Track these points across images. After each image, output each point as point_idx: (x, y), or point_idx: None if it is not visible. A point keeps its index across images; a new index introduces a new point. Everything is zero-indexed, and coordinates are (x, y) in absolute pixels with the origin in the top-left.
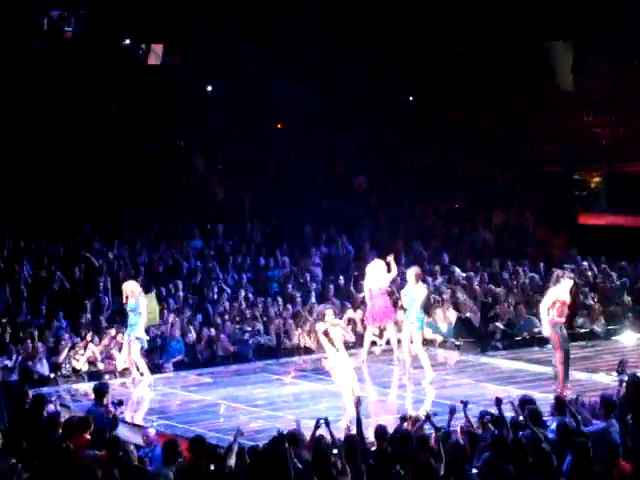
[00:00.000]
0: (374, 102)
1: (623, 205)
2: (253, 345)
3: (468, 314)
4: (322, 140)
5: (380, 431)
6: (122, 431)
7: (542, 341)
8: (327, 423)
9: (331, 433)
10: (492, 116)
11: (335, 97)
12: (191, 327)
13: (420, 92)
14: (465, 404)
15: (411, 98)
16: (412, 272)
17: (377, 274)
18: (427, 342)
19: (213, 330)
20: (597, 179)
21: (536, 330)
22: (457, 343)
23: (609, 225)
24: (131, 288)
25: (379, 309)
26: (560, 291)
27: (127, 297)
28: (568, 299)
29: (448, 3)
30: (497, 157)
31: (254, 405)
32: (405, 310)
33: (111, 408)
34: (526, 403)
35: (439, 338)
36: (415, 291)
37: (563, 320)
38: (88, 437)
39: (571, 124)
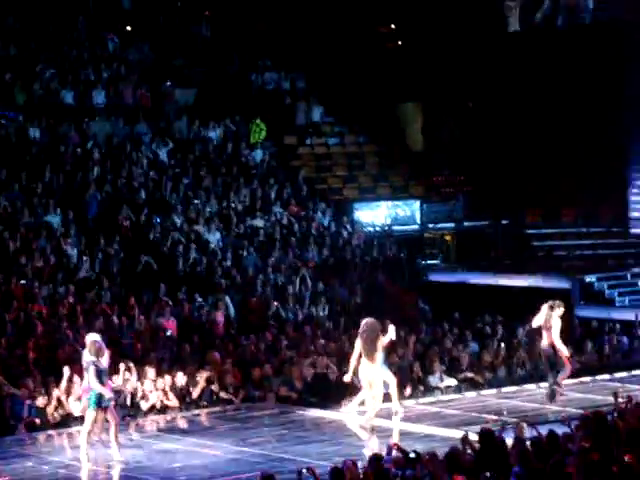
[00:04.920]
0: (229, 159)
1: (472, 262)
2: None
3: (325, 370)
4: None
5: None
6: None
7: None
8: None
9: None
10: (345, 178)
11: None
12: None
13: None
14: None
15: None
16: (89, 341)
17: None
18: (282, 399)
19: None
20: (448, 237)
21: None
22: (312, 400)
23: (459, 282)
24: None
25: None
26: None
27: None
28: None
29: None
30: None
31: (110, 464)
32: None
33: None
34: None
35: (294, 395)
36: (87, 360)
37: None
38: None
39: (421, 183)
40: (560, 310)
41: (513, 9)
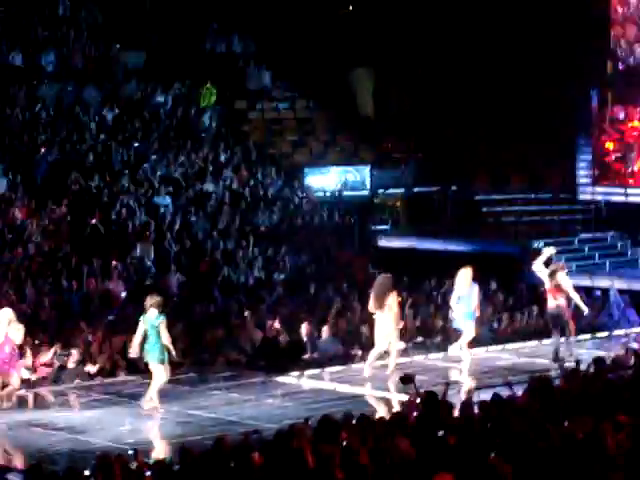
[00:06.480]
0: (179, 123)
1: (422, 228)
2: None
3: (274, 334)
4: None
5: None
6: None
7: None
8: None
9: None
10: (295, 143)
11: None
12: None
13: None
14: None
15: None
16: (155, 299)
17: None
18: (232, 363)
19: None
20: (397, 203)
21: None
22: (261, 363)
23: (408, 248)
24: None
25: None
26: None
27: None
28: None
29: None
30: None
31: (55, 429)
32: None
33: None
34: None
35: (243, 359)
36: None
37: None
38: None
39: (372, 149)
40: (564, 271)
41: None
